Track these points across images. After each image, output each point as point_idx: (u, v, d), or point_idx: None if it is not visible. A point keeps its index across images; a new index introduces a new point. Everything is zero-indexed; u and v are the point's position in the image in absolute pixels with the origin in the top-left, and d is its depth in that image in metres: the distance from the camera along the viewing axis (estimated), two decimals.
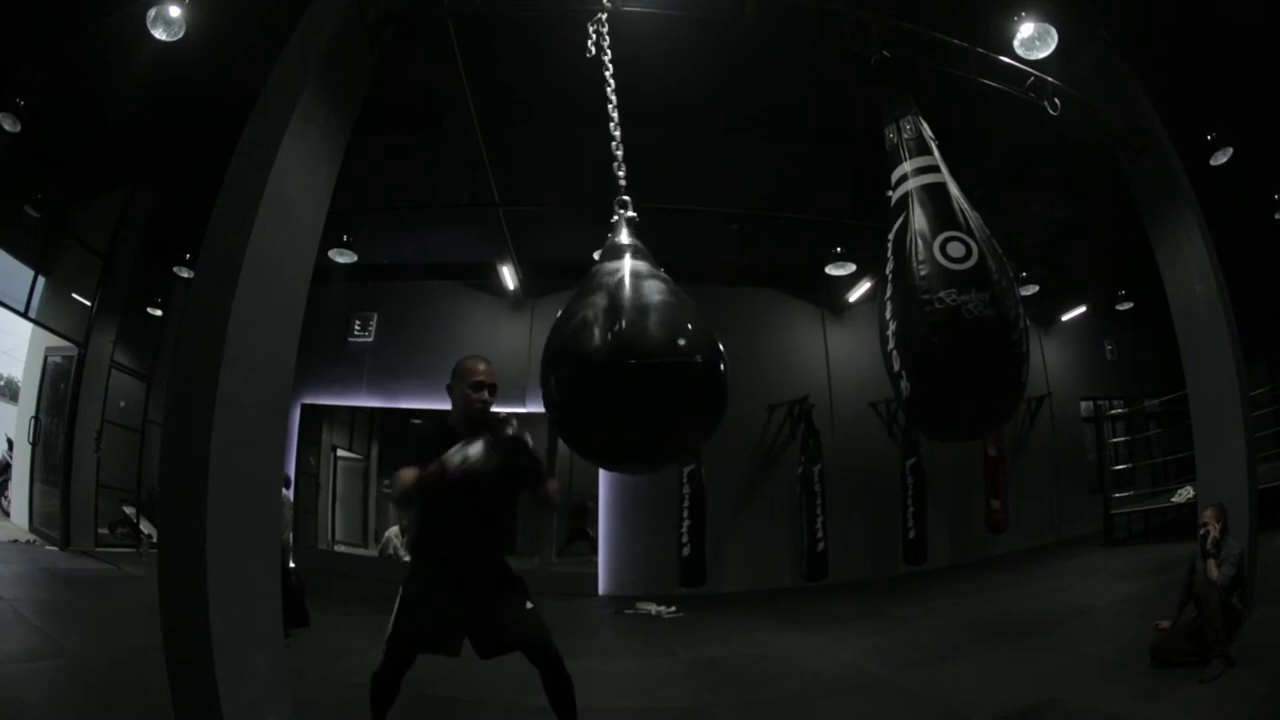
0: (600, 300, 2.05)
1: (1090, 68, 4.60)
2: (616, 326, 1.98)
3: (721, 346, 2.13)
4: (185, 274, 7.85)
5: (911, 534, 8.24)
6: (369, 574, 8.16)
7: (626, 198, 2.36)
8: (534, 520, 9.38)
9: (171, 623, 2.69)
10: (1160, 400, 8.95)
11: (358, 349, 8.81)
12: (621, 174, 2.40)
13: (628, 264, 2.16)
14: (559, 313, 2.18)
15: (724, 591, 7.85)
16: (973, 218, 2.63)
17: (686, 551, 7.59)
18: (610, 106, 2.51)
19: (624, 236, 2.27)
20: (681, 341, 2.04)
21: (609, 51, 2.61)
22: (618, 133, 2.46)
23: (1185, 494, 7.19)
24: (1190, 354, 4.57)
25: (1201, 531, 3.94)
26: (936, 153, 2.84)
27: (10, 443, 8.68)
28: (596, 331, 1.99)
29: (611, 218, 2.33)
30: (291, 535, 5.67)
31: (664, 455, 2.34)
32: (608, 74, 2.56)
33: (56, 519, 7.17)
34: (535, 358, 2.24)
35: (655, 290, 2.10)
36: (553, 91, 5.52)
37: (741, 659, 5.00)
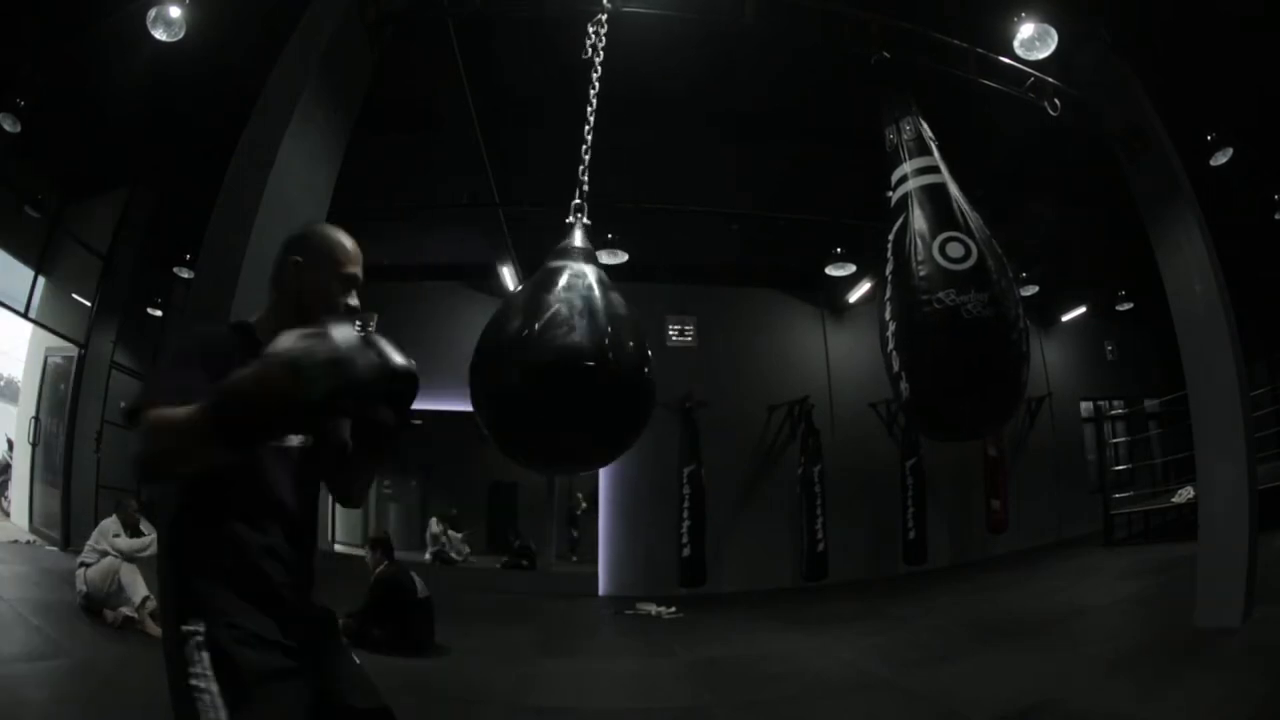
0: (562, 304, 2.07)
1: (1090, 68, 4.60)
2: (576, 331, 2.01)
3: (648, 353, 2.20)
4: (185, 274, 7.85)
5: (911, 534, 8.25)
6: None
7: (580, 202, 2.37)
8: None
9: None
10: (1160, 400, 8.95)
11: None
12: (585, 178, 2.39)
13: (583, 269, 2.20)
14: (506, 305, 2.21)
15: (724, 591, 7.85)
16: (972, 218, 2.64)
17: (686, 551, 7.60)
18: (589, 110, 2.50)
19: (578, 240, 2.28)
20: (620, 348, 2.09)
21: (602, 54, 2.61)
22: (589, 137, 2.46)
23: (1185, 494, 7.19)
24: (1190, 354, 4.57)
25: None
26: (936, 153, 2.85)
27: (10, 443, 8.66)
28: (562, 332, 2.01)
29: (567, 219, 2.34)
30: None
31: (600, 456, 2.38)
32: (595, 76, 2.56)
33: (56, 519, 7.17)
34: None
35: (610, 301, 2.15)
36: (554, 91, 5.52)
37: (741, 659, 5.00)
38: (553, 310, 2.03)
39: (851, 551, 8.43)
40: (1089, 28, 4.51)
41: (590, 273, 2.16)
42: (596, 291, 2.11)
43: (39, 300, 7.25)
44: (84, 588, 4.63)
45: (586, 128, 2.46)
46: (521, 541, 9.24)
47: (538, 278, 2.18)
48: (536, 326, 2.01)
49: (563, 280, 2.12)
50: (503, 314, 2.17)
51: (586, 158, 2.43)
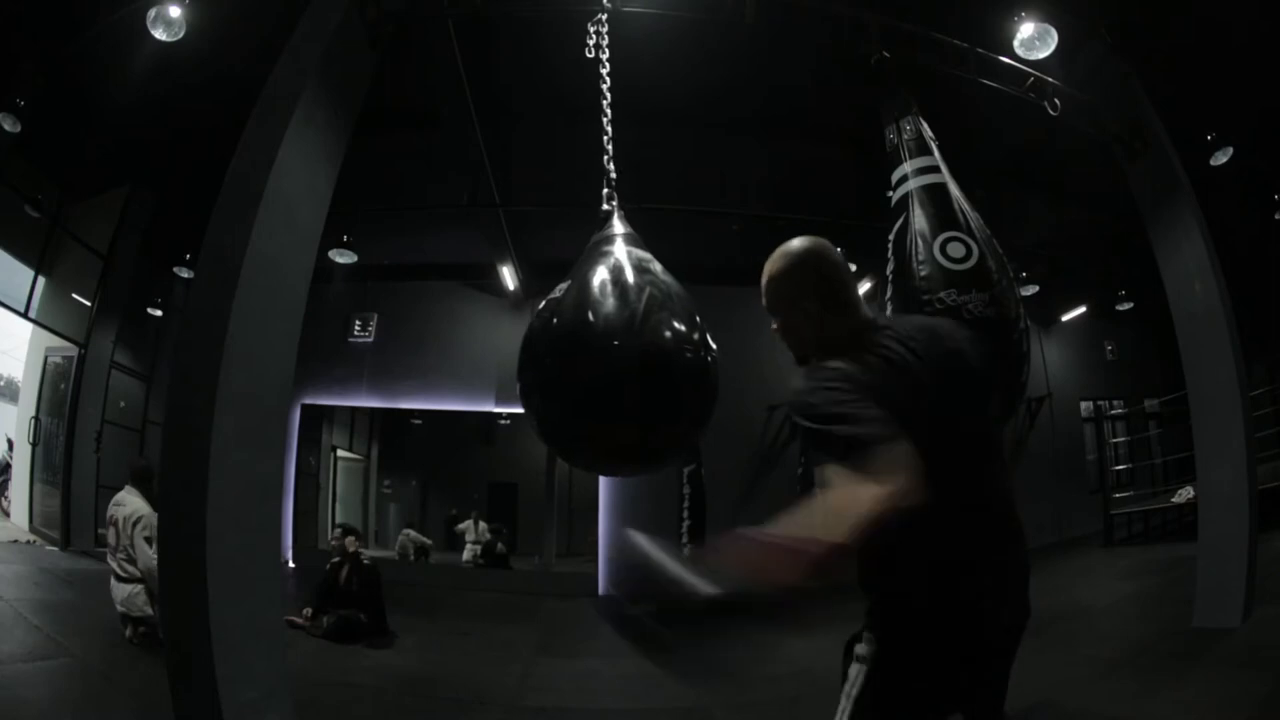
0: (610, 290, 2.00)
1: (1090, 68, 4.60)
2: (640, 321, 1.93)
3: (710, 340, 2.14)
4: (185, 274, 7.85)
5: None
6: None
7: (610, 191, 2.41)
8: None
9: (172, 623, 2.70)
10: (1160, 400, 8.94)
11: (358, 349, 8.81)
12: (612, 169, 2.43)
13: (632, 253, 2.18)
14: (558, 298, 2.10)
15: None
16: (973, 218, 2.64)
17: (686, 551, 7.57)
18: (605, 103, 2.55)
19: (619, 226, 2.30)
20: (695, 337, 2.05)
21: (607, 50, 2.64)
22: (610, 129, 2.50)
23: (1185, 494, 7.19)
24: (1190, 354, 4.57)
25: None
26: (937, 153, 2.85)
27: (10, 443, 8.67)
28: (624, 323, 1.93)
29: (603, 207, 2.37)
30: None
31: (671, 455, 2.31)
32: (604, 71, 2.60)
33: (56, 519, 7.16)
34: None
35: (665, 285, 2.11)
36: (553, 91, 5.52)
37: (741, 659, 5.00)
38: (647, 294, 1.95)
39: None
40: (1089, 28, 4.51)
41: (651, 257, 2.16)
42: (668, 276, 2.10)
43: (39, 300, 7.25)
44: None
45: (605, 119, 2.50)
46: (496, 537, 9.24)
47: (600, 261, 2.11)
48: (638, 311, 1.89)
49: (632, 262, 2.07)
50: (579, 297, 2.00)
51: (610, 148, 2.46)
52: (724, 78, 5.56)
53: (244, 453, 2.78)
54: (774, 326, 1.54)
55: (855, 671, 1.30)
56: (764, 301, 1.53)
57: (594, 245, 2.21)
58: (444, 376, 8.54)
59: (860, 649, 1.31)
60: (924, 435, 1.14)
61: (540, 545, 9.10)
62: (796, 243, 1.52)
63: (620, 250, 2.15)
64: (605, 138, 2.49)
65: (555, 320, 2.02)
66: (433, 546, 9.59)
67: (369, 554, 5.95)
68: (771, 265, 1.52)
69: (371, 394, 8.87)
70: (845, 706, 1.29)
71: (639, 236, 2.27)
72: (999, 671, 1.34)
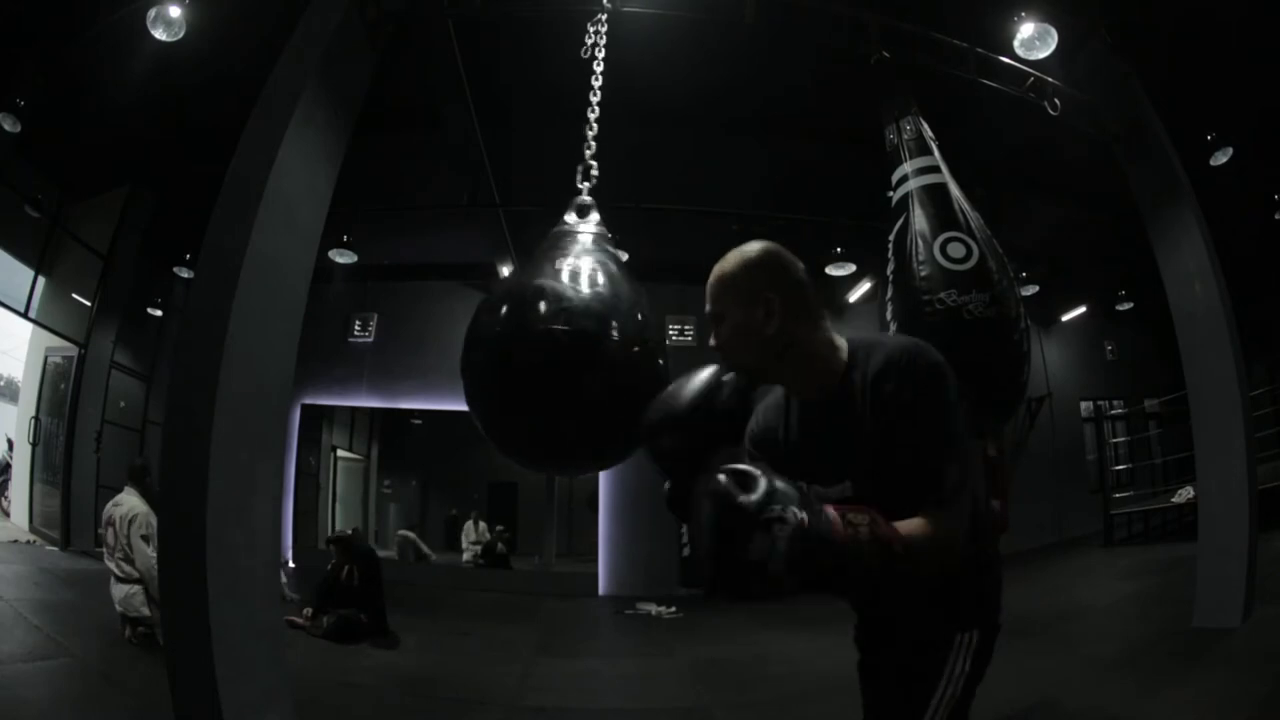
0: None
1: (1090, 68, 4.60)
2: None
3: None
4: (185, 274, 7.86)
5: None
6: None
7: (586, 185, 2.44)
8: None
9: (172, 623, 2.70)
10: (1160, 400, 8.94)
11: (358, 349, 8.82)
12: (594, 166, 2.48)
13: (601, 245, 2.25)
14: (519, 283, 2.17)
15: None
16: (973, 218, 2.64)
17: (686, 552, 7.57)
18: (594, 100, 2.58)
19: (594, 222, 2.34)
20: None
21: (603, 50, 2.65)
22: (596, 127, 2.54)
23: (1185, 494, 7.19)
24: (1190, 354, 4.57)
25: None
26: (937, 153, 2.85)
27: (10, 443, 8.66)
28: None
29: (582, 197, 2.41)
30: None
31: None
32: (597, 69, 2.62)
33: (56, 519, 7.17)
34: None
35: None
36: (554, 91, 5.53)
37: (741, 659, 5.00)
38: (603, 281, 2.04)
39: None
40: (1089, 27, 4.51)
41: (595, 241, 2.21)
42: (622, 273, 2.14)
43: (39, 300, 7.26)
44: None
45: (592, 115, 2.51)
46: (497, 537, 9.23)
47: (567, 251, 2.20)
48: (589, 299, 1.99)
49: (597, 253, 2.17)
50: (512, 291, 2.13)
51: (594, 144, 2.47)
52: (724, 78, 5.56)
53: (244, 453, 2.78)
54: (713, 342, 1.33)
55: (959, 660, 1.42)
56: (709, 305, 1.32)
57: (560, 235, 2.24)
58: (444, 376, 8.48)
59: (961, 636, 1.41)
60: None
61: (540, 545, 9.11)
62: (757, 243, 1.34)
63: (588, 242, 2.19)
64: (590, 133, 2.52)
65: (506, 309, 2.09)
66: (434, 560, 9.46)
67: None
68: (726, 263, 1.32)
69: (371, 394, 8.88)
70: (950, 690, 1.41)
71: (609, 234, 2.31)
72: None
